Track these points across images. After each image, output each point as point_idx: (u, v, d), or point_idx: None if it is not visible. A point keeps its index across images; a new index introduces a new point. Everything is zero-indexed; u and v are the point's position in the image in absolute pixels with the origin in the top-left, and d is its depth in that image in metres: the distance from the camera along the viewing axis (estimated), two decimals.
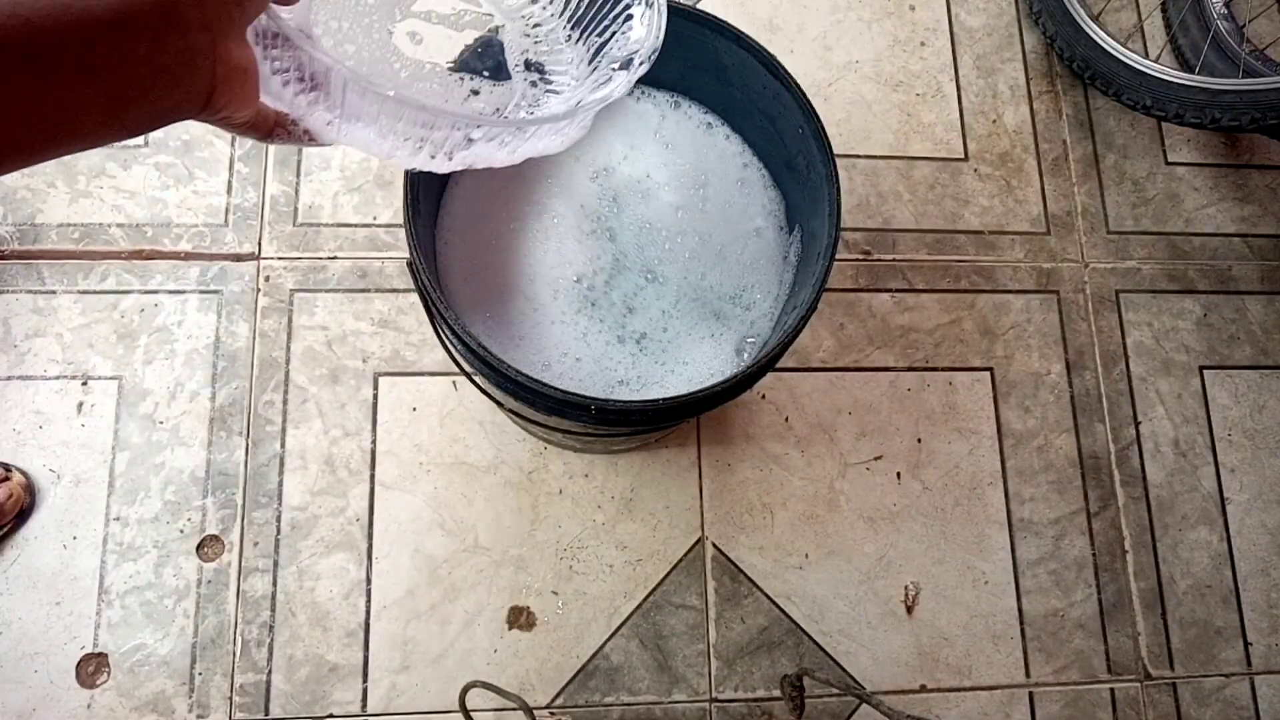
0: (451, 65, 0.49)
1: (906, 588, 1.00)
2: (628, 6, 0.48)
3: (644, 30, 0.47)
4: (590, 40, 0.51)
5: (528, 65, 0.52)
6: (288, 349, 0.99)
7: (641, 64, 0.44)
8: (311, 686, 0.90)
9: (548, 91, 0.51)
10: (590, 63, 0.50)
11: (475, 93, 0.47)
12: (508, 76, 0.51)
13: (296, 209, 1.04)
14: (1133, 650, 1.02)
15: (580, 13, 0.51)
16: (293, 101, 0.33)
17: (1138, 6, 1.27)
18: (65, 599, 0.90)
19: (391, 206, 1.05)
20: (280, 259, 1.02)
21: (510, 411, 0.75)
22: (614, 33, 0.49)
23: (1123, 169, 1.18)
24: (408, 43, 0.46)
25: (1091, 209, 1.16)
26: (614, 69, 0.47)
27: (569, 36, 0.51)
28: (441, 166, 0.38)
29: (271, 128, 0.33)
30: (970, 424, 1.06)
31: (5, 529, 0.90)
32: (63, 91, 0.23)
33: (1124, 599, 1.03)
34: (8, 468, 0.91)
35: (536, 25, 0.52)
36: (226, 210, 1.03)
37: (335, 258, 1.02)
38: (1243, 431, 1.10)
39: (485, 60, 0.53)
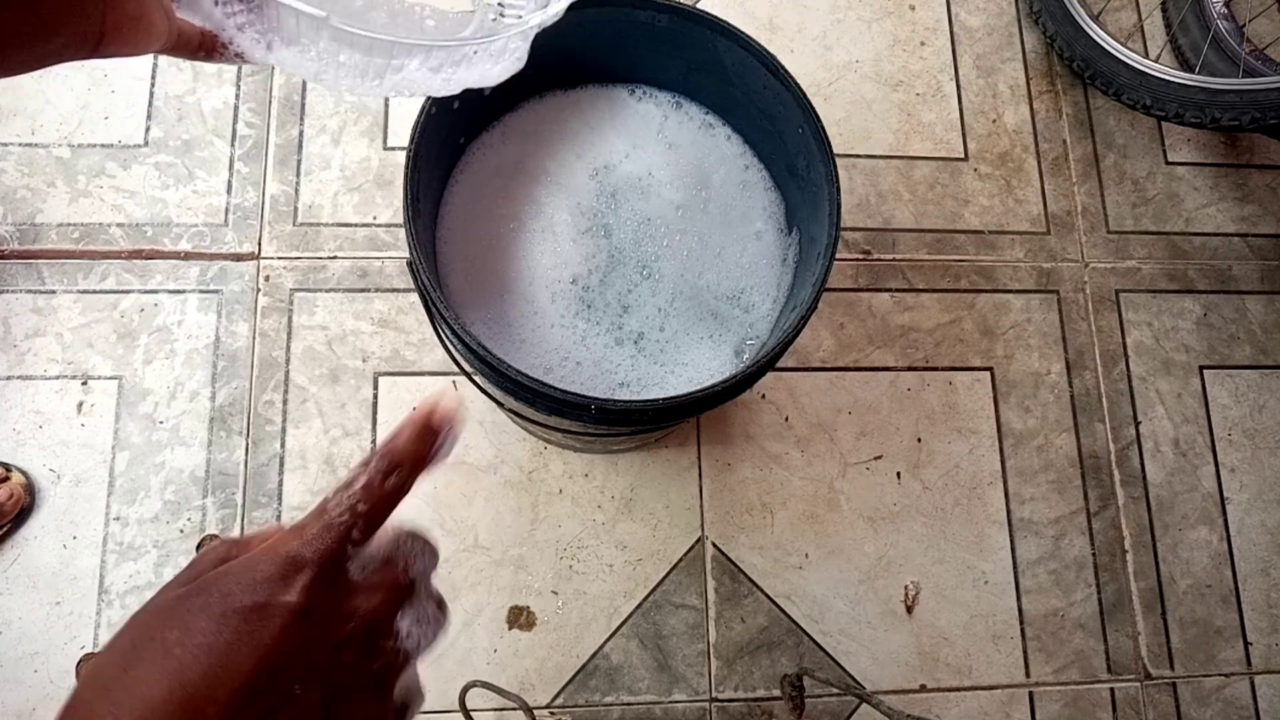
0: None
1: (906, 587, 1.00)
2: None
3: None
4: None
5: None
6: (288, 349, 0.99)
7: None
8: None
9: (505, 28, 0.50)
10: None
11: (433, 23, 0.47)
12: (468, 8, 0.50)
13: (296, 209, 1.04)
14: (1133, 650, 1.02)
15: None
16: (223, 22, 0.32)
17: (1138, 6, 1.27)
18: (65, 599, 0.90)
19: (391, 206, 1.05)
20: (280, 259, 1.02)
21: (510, 411, 0.75)
22: None
23: (1123, 169, 1.18)
24: None
25: (1091, 209, 1.16)
26: None
27: None
28: (370, 91, 0.37)
29: (195, 49, 0.32)
30: (970, 424, 1.06)
31: (5, 529, 0.90)
32: None
33: (1124, 599, 1.03)
34: (7, 467, 0.91)
35: None
36: (226, 210, 1.03)
37: (335, 257, 1.02)
38: (1243, 431, 1.10)
39: None
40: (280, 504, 0.94)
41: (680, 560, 0.98)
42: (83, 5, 0.26)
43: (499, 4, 0.50)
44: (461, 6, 0.52)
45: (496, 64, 0.41)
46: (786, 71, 0.61)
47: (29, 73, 0.26)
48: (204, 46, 0.32)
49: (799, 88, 0.60)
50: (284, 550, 0.24)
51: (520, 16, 0.49)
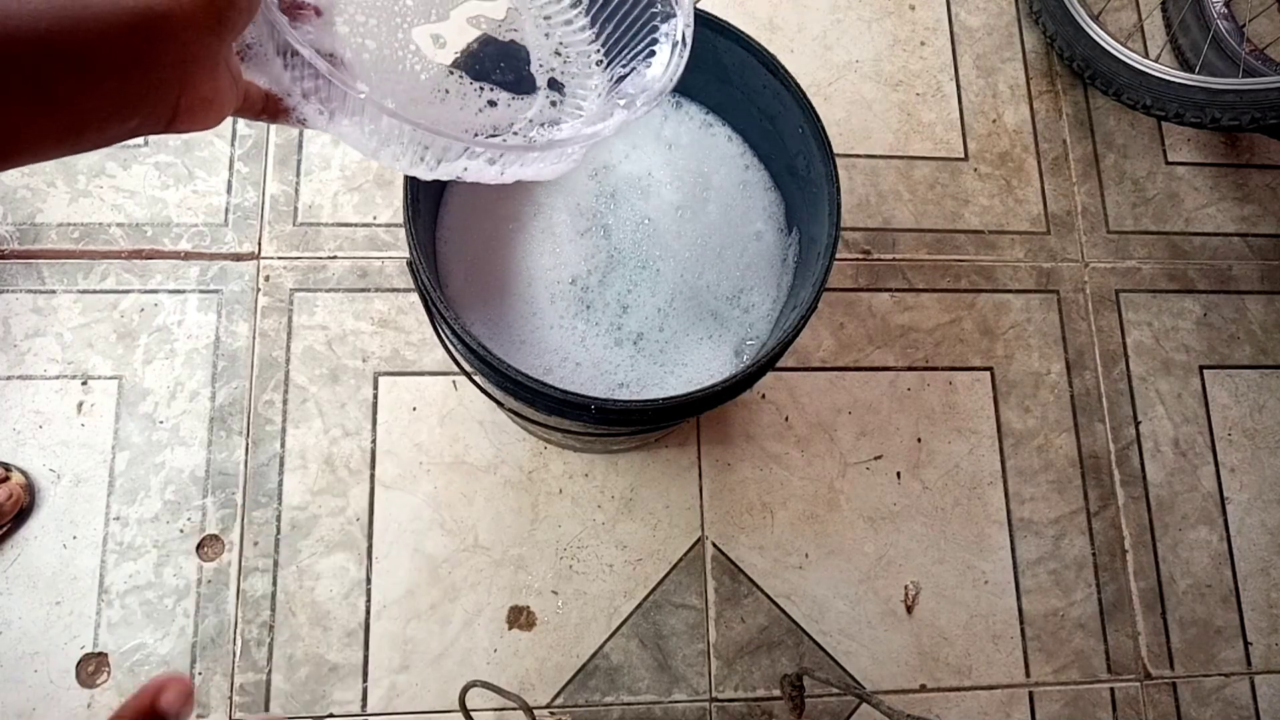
0: (469, 72, 0.49)
1: (906, 587, 1.00)
2: (654, 41, 0.48)
3: (660, 69, 0.47)
4: (615, 70, 0.50)
5: (551, 84, 0.51)
6: (288, 348, 0.99)
7: (644, 105, 0.44)
8: (311, 686, 0.90)
9: (565, 114, 0.50)
10: (608, 94, 0.50)
11: (492, 104, 0.47)
12: (529, 90, 0.51)
13: (296, 208, 1.04)
14: (1133, 650, 1.02)
15: (615, 39, 0.50)
16: (290, 87, 0.32)
17: (1138, 6, 1.27)
18: (65, 599, 0.90)
19: (391, 206, 1.05)
20: (280, 258, 1.02)
21: (510, 411, 0.75)
22: (635, 68, 0.49)
23: (1123, 168, 1.18)
24: (430, 45, 0.46)
25: (1091, 208, 1.16)
26: (619, 104, 0.46)
27: (599, 63, 0.51)
28: (424, 175, 0.38)
29: (259, 111, 0.33)
30: (970, 424, 1.06)
31: (5, 529, 0.90)
32: (22, 114, 0.23)
33: (1124, 599, 1.03)
34: (7, 467, 0.91)
35: (567, 45, 0.52)
36: (226, 210, 1.03)
37: (335, 257, 1.02)
38: (1243, 431, 1.10)
39: (507, 72, 0.52)
40: (280, 504, 0.94)
41: (680, 560, 0.98)
42: (160, 92, 0.26)
43: (559, 92, 0.51)
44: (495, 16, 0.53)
45: (555, 163, 0.42)
46: (786, 71, 0.61)
47: (97, 149, 0.27)
48: (267, 110, 0.33)
49: (799, 88, 0.60)
50: None
51: (580, 107, 0.50)
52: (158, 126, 0.28)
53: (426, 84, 0.43)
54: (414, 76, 0.42)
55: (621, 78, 0.50)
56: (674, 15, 0.47)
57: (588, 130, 0.43)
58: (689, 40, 0.46)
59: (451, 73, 0.45)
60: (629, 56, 0.50)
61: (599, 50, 0.51)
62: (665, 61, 0.47)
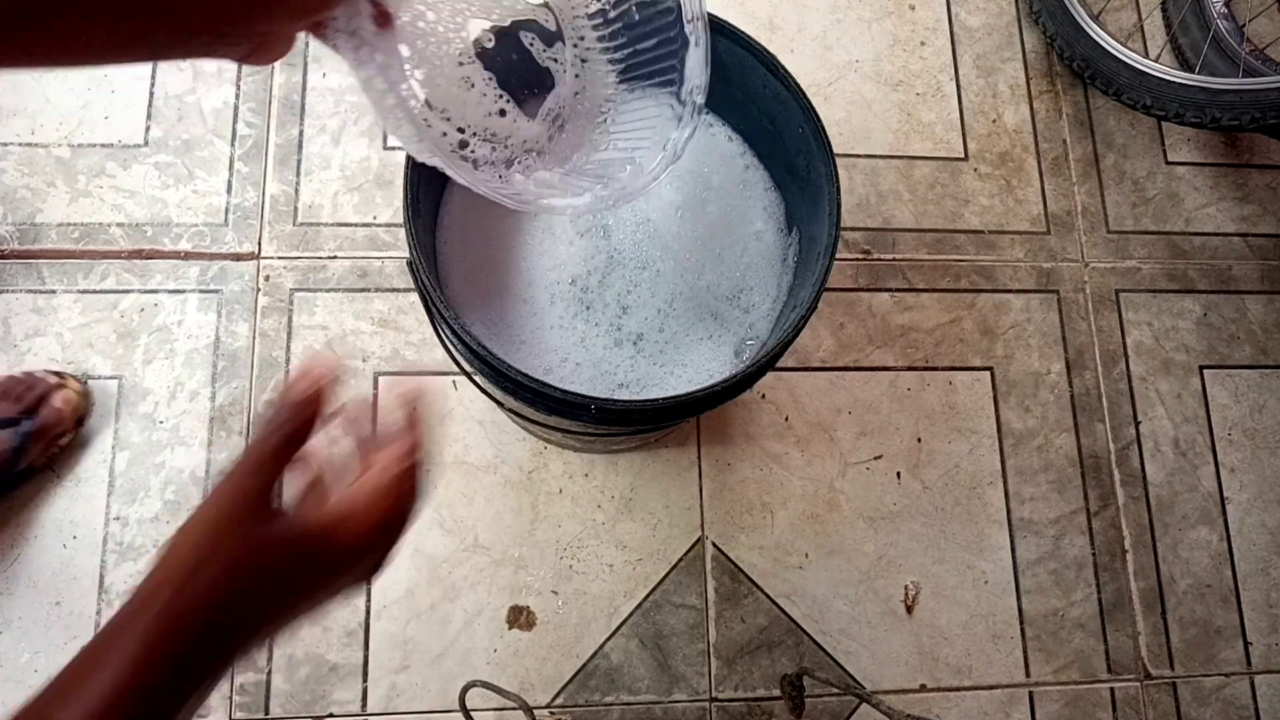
0: (498, 67, 0.51)
1: (906, 587, 1.00)
2: (645, 123, 0.50)
3: (653, 162, 0.49)
4: (615, 140, 0.53)
5: (555, 119, 0.53)
6: (288, 348, 0.99)
7: (616, 200, 0.46)
8: (311, 686, 0.90)
9: (553, 152, 0.53)
10: (591, 156, 0.52)
11: (503, 113, 0.49)
12: (533, 114, 0.53)
13: (296, 208, 1.04)
14: (1133, 650, 1.02)
15: (624, 118, 0.53)
16: (341, 24, 0.34)
17: (1138, 6, 1.27)
18: (65, 599, 0.90)
19: (391, 206, 1.05)
20: (280, 258, 1.02)
21: (510, 411, 0.75)
22: (627, 152, 0.51)
23: (1123, 168, 1.18)
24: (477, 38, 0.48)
25: (1091, 208, 1.16)
26: (598, 178, 0.49)
27: (602, 121, 0.54)
28: (418, 155, 0.40)
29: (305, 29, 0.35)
30: (970, 424, 1.06)
31: (68, 438, 0.90)
32: (122, 37, 0.25)
33: (1124, 598, 1.03)
34: (60, 375, 0.91)
35: (587, 86, 0.54)
36: (226, 210, 1.03)
37: (335, 257, 1.02)
38: (1243, 431, 1.10)
39: (532, 89, 0.54)
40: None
41: (680, 560, 0.98)
42: (241, 46, 0.29)
43: (562, 129, 0.53)
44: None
45: (524, 207, 0.44)
46: (786, 71, 0.61)
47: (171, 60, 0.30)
48: (313, 30, 0.35)
49: (799, 87, 0.60)
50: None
51: (569, 155, 0.54)
52: (233, 58, 0.30)
53: (460, 72, 0.45)
54: (452, 59, 0.44)
55: (612, 143, 0.52)
56: (683, 117, 0.50)
57: (567, 201, 0.45)
58: (680, 154, 0.49)
59: (483, 69, 0.46)
60: (625, 133, 0.52)
61: (609, 106, 0.54)
62: (657, 156, 0.50)
